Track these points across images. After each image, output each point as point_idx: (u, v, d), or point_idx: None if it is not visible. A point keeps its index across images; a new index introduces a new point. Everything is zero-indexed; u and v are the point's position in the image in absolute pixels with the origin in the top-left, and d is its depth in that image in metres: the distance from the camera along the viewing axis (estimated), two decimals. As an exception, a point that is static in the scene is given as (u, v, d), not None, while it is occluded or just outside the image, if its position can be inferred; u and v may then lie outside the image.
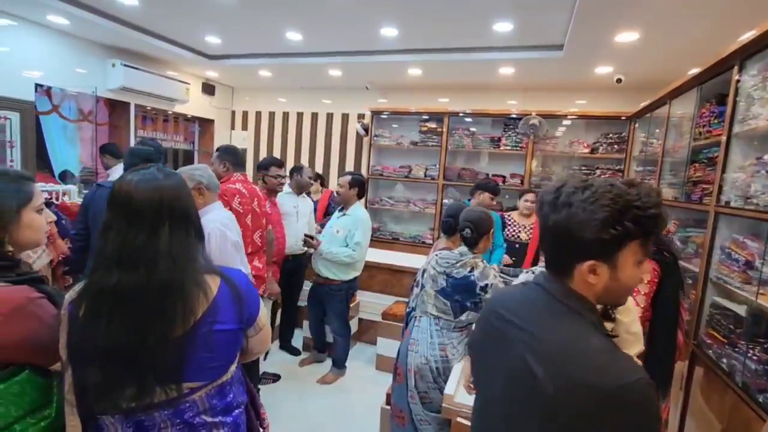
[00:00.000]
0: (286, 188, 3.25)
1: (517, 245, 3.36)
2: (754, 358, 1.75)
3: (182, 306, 0.85)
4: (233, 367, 0.97)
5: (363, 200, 4.69)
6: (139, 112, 5.07)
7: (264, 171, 2.97)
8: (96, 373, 0.82)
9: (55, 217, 1.99)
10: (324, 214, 4.34)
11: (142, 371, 0.83)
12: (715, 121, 2.38)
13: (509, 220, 3.43)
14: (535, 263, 3.28)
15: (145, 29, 4.08)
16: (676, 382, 2.38)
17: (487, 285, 1.69)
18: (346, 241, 2.93)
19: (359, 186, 2.95)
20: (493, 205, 3.09)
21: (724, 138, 2.17)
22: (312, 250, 3.04)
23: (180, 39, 4.41)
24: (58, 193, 2.21)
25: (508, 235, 3.37)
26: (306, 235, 2.94)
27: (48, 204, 2.11)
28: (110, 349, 0.82)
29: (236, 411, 0.98)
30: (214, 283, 0.92)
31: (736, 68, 2.14)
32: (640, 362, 1.34)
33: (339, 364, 3.09)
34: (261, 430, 1.12)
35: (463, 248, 1.84)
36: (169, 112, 5.51)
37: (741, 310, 2.00)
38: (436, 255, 1.87)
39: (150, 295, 0.83)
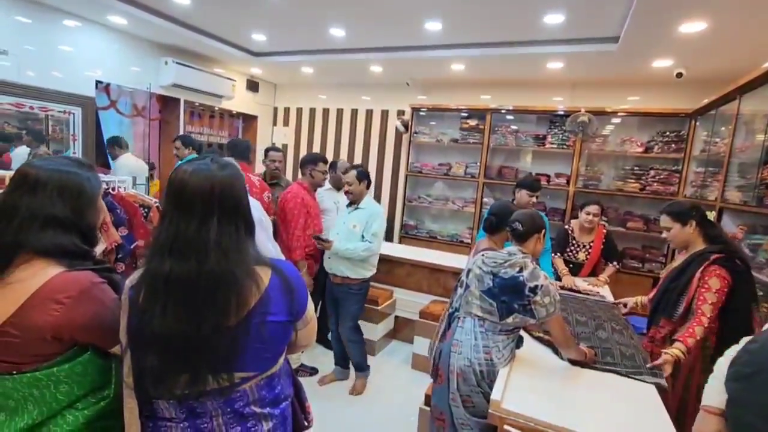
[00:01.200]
0: (326, 184, 3.28)
1: (570, 265, 3.13)
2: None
3: (235, 297, 0.85)
4: (281, 359, 0.97)
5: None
6: (187, 108, 5.28)
7: (312, 165, 3.00)
8: (153, 358, 0.84)
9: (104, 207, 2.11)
10: None
11: (196, 359, 0.84)
12: (796, 118, 2.16)
13: (571, 237, 3.18)
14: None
15: (195, 27, 4.23)
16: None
17: (537, 287, 1.60)
18: (362, 236, 2.79)
19: (367, 178, 2.85)
20: (532, 203, 2.94)
21: (807, 136, 1.96)
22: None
23: (227, 36, 4.54)
24: (114, 183, 2.31)
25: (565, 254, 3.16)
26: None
27: (104, 194, 2.22)
28: (166, 335, 0.83)
29: (284, 403, 0.98)
30: (265, 275, 0.92)
31: (824, 59, 1.92)
32: None
33: (361, 368, 2.94)
34: (306, 423, 1.11)
35: (513, 248, 1.77)
36: (216, 108, 5.70)
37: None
38: (483, 255, 1.80)
39: (201, 285, 0.84)
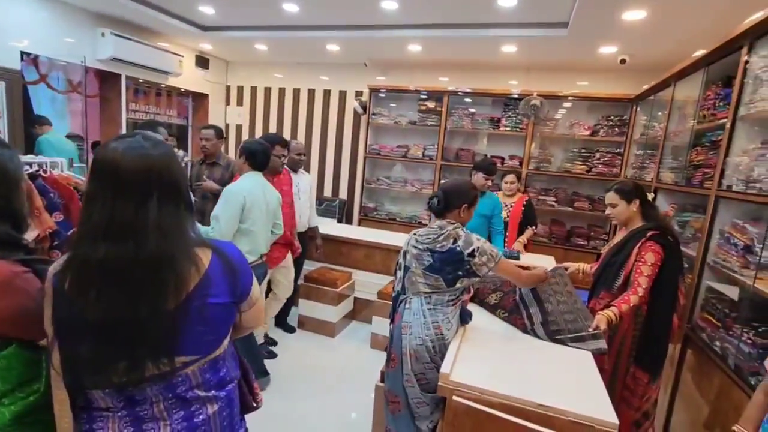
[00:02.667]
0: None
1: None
2: (749, 341, 1.77)
3: (174, 279, 0.82)
4: (226, 342, 0.96)
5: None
6: (131, 85, 4.94)
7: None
8: (86, 347, 0.80)
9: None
10: None
11: (134, 345, 0.81)
12: (721, 104, 2.34)
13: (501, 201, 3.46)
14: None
15: (135, -4, 3.93)
16: (667, 364, 2.41)
17: (473, 250, 1.66)
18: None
19: (248, 154, 2.47)
20: (488, 185, 3.03)
21: (728, 121, 2.13)
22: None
23: (172, 8, 4.26)
24: (45, 165, 2.13)
25: None
26: None
27: (34, 177, 2.05)
28: (100, 322, 0.79)
29: (229, 386, 0.97)
30: (205, 256, 0.89)
31: (744, 49, 2.08)
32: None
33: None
34: (254, 404, 1.11)
35: (442, 221, 1.77)
36: (162, 86, 5.37)
37: (736, 294, 2.01)
38: (414, 234, 1.82)
39: (140, 269, 0.80)
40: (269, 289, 3.17)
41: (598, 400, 1.42)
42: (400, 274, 1.87)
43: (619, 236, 2.18)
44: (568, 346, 1.80)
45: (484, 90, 4.84)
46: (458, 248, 1.67)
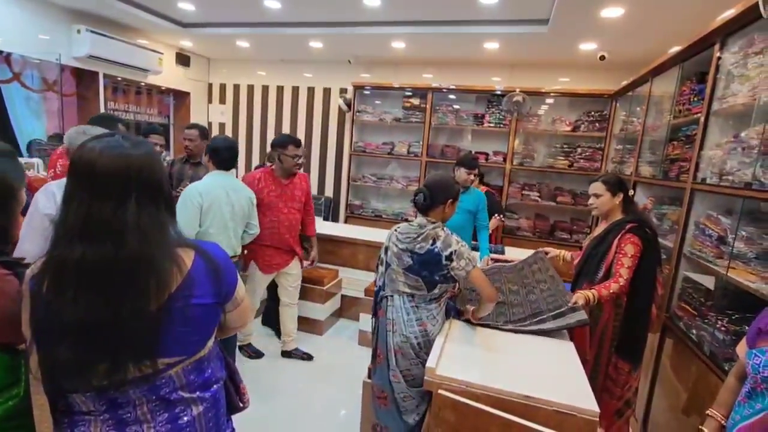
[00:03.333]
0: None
1: None
2: (723, 329, 1.83)
3: (155, 280, 0.81)
4: (210, 342, 0.95)
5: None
6: (109, 83, 4.82)
7: (280, 149, 2.70)
8: (65, 350, 0.79)
9: None
10: None
11: (115, 347, 0.80)
12: (695, 99, 2.41)
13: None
14: None
15: (111, -8, 3.83)
16: (647, 353, 2.48)
17: (452, 253, 1.65)
18: None
19: (211, 151, 2.41)
20: (470, 180, 3.06)
21: (702, 116, 2.20)
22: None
23: (150, 4, 4.17)
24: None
25: None
26: None
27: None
28: (79, 325, 0.78)
29: (215, 386, 0.97)
30: (188, 257, 0.88)
31: (717, 45, 2.14)
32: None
33: None
34: (241, 405, 1.11)
35: (422, 219, 1.76)
36: (142, 84, 5.26)
37: (711, 283, 2.08)
38: (396, 230, 1.81)
39: (119, 270, 0.79)
40: (274, 296, 3.14)
41: (580, 389, 1.46)
42: (381, 269, 1.87)
43: (600, 228, 2.23)
44: (550, 326, 1.83)
45: (467, 87, 4.87)
46: (436, 249, 1.66)
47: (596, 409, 1.34)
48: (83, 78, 4.56)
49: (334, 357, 3.17)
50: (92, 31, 4.15)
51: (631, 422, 2.58)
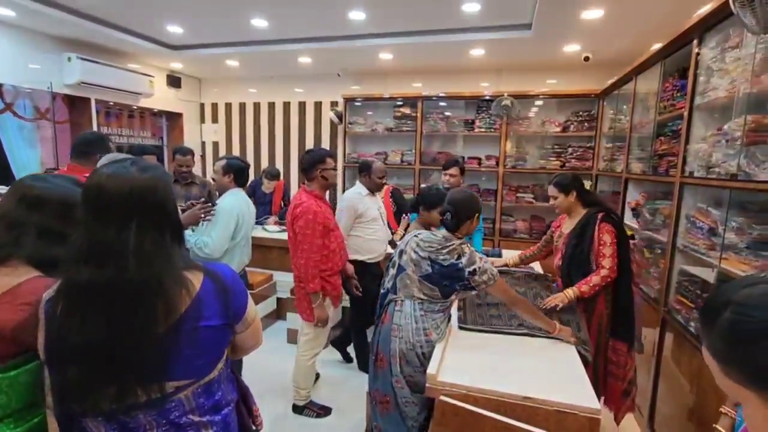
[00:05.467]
0: (363, 190, 2.96)
1: None
2: (719, 320, 1.84)
3: (162, 304, 0.82)
4: (221, 365, 0.94)
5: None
6: (101, 108, 4.86)
7: (321, 165, 2.42)
8: (74, 372, 0.80)
9: None
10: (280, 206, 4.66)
11: (122, 371, 0.81)
12: (678, 95, 2.45)
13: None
14: None
15: (100, 19, 3.89)
16: (648, 348, 2.49)
17: (475, 270, 1.68)
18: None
19: (235, 172, 2.50)
20: (457, 181, 3.14)
21: (686, 110, 2.23)
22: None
23: (139, 29, 4.23)
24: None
25: None
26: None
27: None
28: (86, 348, 0.79)
29: (225, 409, 0.96)
30: (196, 279, 0.88)
31: (695, 42, 2.19)
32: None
33: None
34: (254, 427, 1.10)
35: (446, 232, 1.79)
36: (134, 107, 5.30)
37: (706, 275, 2.09)
38: (416, 236, 1.81)
39: (124, 293, 0.80)
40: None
41: (580, 388, 1.46)
42: (392, 272, 1.86)
43: (566, 224, 2.35)
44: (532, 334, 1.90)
45: (457, 93, 4.93)
46: (461, 265, 1.68)
47: (597, 406, 1.35)
48: (75, 105, 4.60)
49: (265, 356, 3.19)
50: (83, 59, 4.19)
51: (638, 417, 2.58)
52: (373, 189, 2.99)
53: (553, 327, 1.82)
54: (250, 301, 1.01)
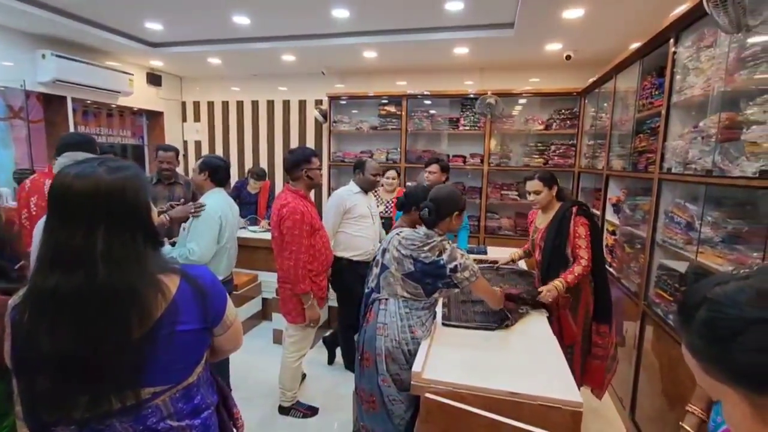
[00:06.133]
0: (355, 188, 2.94)
1: (383, 220, 3.34)
2: (696, 312, 1.89)
3: (135, 310, 0.79)
4: (200, 368, 0.92)
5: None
6: (78, 107, 4.73)
7: (306, 165, 2.40)
8: (43, 381, 0.77)
9: None
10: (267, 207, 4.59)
11: (95, 380, 0.78)
12: (656, 93, 2.50)
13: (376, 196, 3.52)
14: None
15: (75, 15, 3.78)
16: (630, 341, 2.54)
17: (456, 266, 1.68)
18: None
19: (211, 170, 2.40)
20: (441, 181, 3.14)
21: (663, 108, 2.28)
22: None
23: (117, 26, 4.13)
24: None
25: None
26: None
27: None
28: (57, 356, 0.76)
29: (205, 413, 0.94)
30: (172, 283, 0.86)
31: (672, 41, 2.24)
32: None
33: None
34: (234, 430, 1.09)
35: (426, 228, 1.79)
36: (113, 106, 5.18)
37: (683, 269, 2.15)
38: (398, 234, 1.82)
39: (94, 300, 0.77)
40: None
41: (563, 382, 1.48)
42: (376, 270, 1.86)
43: (540, 218, 2.43)
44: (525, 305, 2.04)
45: (441, 92, 4.95)
46: (442, 262, 1.68)
47: (580, 399, 1.37)
48: (51, 103, 4.46)
49: (252, 356, 3.26)
50: (58, 55, 4.07)
51: (619, 409, 2.63)
52: (367, 187, 2.99)
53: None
54: (230, 303, 0.99)
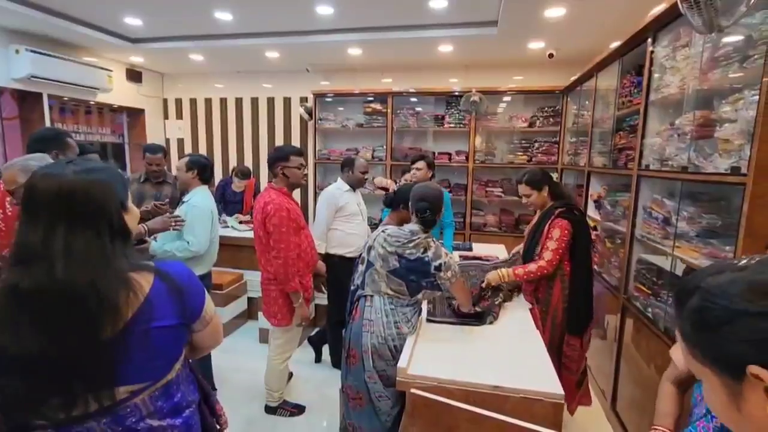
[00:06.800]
0: (344, 185, 2.95)
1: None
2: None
3: (103, 308, 0.78)
4: (178, 365, 0.91)
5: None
6: (55, 104, 4.61)
7: (283, 163, 2.36)
8: (13, 385, 0.76)
9: None
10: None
11: (67, 379, 0.77)
12: (635, 91, 2.56)
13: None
14: None
15: (50, 9, 3.67)
16: (611, 334, 2.60)
17: (441, 264, 1.70)
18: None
19: (199, 168, 2.50)
20: (428, 177, 3.16)
21: (642, 106, 2.34)
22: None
23: (94, 20, 4.02)
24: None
25: None
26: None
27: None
28: (24, 356, 0.75)
29: (187, 411, 0.93)
30: (145, 281, 0.86)
31: (650, 40, 2.29)
32: None
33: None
34: (218, 427, 1.08)
35: (414, 226, 1.81)
36: (91, 103, 5.05)
37: (661, 263, 2.21)
38: (383, 231, 1.83)
39: (54, 297, 0.76)
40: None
41: (545, 375, 1.52)
42: (361, 268, 1.88)
43: (536, 217, 2.40)
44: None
45: (426, 89, 4.97)
46: (427, 259, 1.70)
47: (561, 391, 1.40)
48: (26, 100, 4.33)
49: (239, 356, 3.26)
50: (32, 51, 3.95)
51: (601, 400, 2.69)
52: (355, 185, 3.00)
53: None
54: (208, 299, 0.99)
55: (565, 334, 2.16)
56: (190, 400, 0.96)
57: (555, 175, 2.74)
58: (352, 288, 1.91)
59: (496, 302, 2.10)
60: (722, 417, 0.56)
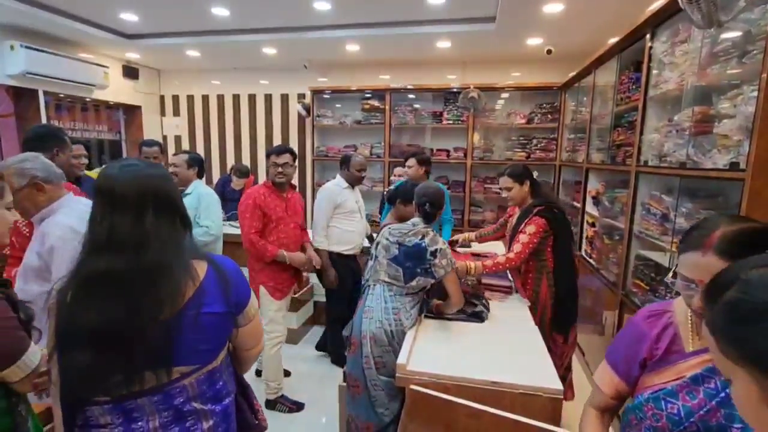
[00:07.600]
0: (343, 183, 2.95)
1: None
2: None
3: (171, 289, 0.86)
4: (222, 354, 0.97)
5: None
6: (51, 101, 4.57)
7: (267, 160, 2.54)
8: (84, 356, 0.82)
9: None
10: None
11: (132, 353, 0.83)
12: (633, 87, 2.56)
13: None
14: None
15: (45, 5, 3.64)
16: (609, 329, 2.61)
17: (436, 250, 1.77)
18: (196, 221, 2.63)
19: (198, 165, 2.84)
20: (420, 174, 3.16)
21: (640, 102, 2.33)
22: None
23: (90, 16, 3.99)
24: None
25: None
26: None
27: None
28: (97, 331, 0.82)
29: (226, 399, 0.99)
30: (201, 269, 0.93)
31: (648, 36, 2.29)
32: None
33: None
34: (256, 422, 1.12)
35: (416, 219, 1.91)
36: (88, 99, 5.02)
37: (659, 259, 2.21)
38: (389, 227, 1.93)
39: (141, 277, 0.84)
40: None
41: (544, 370, 1.52)
42: (370, 263, 1.99)
43: (517, 214, 2.39)
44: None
45: (424, 86, 4.95)
46: (424, 244, 1.79)
47: (560, 387, 1.40)
48: (21, 97, 4.30)
49: (310, 365, 3.14)
50: (27, 47, 3.92)
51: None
52: (353, 182, 3.00)
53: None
54: (253, 297, 1.05)
55: (552, 331, 2.17)
56: (230, 389, 1.01)
57: (535, 173, 2.74)
58: (363, 282, 2.03)
59: (483, 302, 2.08)
60: (750, 417, 0.53)
